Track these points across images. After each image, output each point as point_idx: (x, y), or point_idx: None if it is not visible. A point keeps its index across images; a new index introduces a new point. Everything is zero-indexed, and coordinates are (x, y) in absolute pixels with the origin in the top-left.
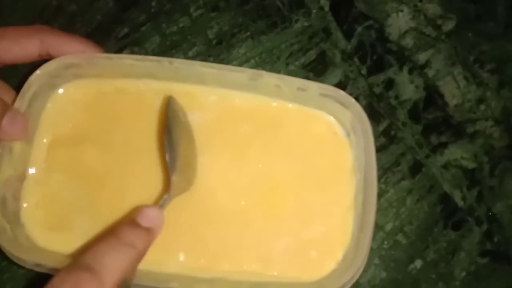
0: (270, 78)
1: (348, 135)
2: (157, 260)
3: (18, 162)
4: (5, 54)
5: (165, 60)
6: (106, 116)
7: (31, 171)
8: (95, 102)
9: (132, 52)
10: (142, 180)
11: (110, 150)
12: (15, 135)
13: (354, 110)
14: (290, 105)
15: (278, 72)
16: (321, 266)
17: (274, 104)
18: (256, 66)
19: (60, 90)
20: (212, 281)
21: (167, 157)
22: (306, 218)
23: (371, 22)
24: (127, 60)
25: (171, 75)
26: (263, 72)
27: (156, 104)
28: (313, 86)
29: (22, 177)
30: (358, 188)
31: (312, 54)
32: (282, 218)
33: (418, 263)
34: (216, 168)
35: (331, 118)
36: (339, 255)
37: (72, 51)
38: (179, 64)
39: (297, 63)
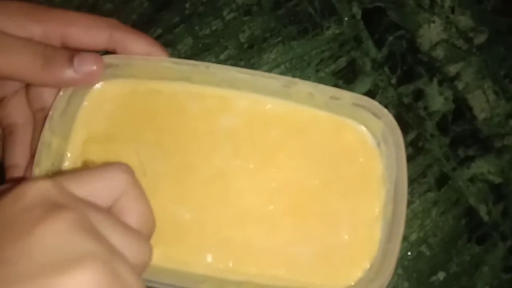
0: (303, 86)
1: (378, 144)
2: (185, 260)
3: (55, 157)
4: (74, 42)
5: (201, 65)
6: (140, 116)
7: (66, 166)
8: (130, 101)
9: None
10: (173, 180)
11: (142, 149)
12: (91, 76)
13: (387, 121)
14: (321, 113)
15: (308, 78)
16: (347, 274)
17: (306, 111)
18: (286, 72)
19: (97, 89)
20: (241, 284)
21: None
22: (334, 225)
23: (402, 32)
24: (164, 63)
25: (206, 78)
26: (297, 80)
27: (189, 106)
28: (346, 95)
29: (58, 172)
30: (388, 198)
31: (342, 62)
32: (309, 224)
33: (441, 275)
34: (245, 171)
35: (362, 127)
36: (365, 264)
37: (138, 51)
38: (215, 69)
39: (327, 70)
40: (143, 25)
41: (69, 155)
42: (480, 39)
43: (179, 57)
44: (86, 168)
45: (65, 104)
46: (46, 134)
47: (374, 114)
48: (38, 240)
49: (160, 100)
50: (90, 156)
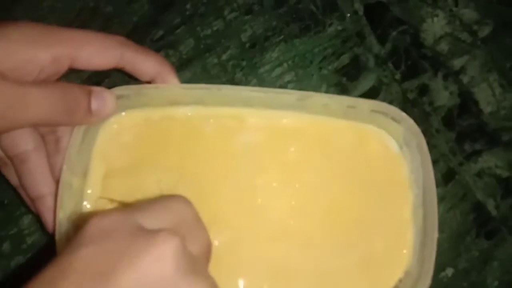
0: (318, 98)
1: (401, 149)
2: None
3: (77, 196)
4: (84, 62)
5: (213, 88)
6: (156, 144)
7: (89, 204)
8: (145, 131)
9: (166, 55)
10: (197, 206)
11: (163, 178)
12: (108, 114)
13: (407, 125)
14: (340, 122)
15: (311, 76)
16: (385, 283)
17: (324, 121)
18: (289, 70)
19: (110, 122)
20: None
21: None
22: (365, 235)
23: (405, 27)
24: (175, 89)
25: (219, 100)
26: (311, 93)
27: (205, 129)
28: (363, 103)
29: (82, 211)
30: (417, 203)
31: (345, 59)
32: (340, 235)
33: (449, 271)
34: (271, 189)
35: (383, 132)
36: (400, 272)
37: (148, 70)
38: (227, 90)
39: (330, 67)
40: (144, 27)
41: (90, 192)
42: (484, 31)
43: (181, 58)
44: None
45: (80, 141)
46: (65, 174)
47: (394, 119)
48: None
49: (176, 126)
50: (111, 191)
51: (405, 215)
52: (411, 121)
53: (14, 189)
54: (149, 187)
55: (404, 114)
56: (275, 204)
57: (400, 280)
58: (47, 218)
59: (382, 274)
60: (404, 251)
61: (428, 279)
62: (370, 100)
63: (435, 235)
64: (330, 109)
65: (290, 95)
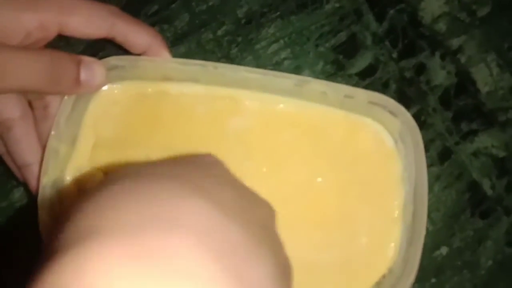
0: (316, 85)
1: (396, 143)
2: None
3: (63, 164)
4: (73, 30)
5: (209, 65)
6: (148, 119)
7: (75, 173)
8: (137, 104)
9: (161, 29)
10: None
11: (152, 154)
12: (97, 86)
13: (404, 119)
14: (336, 112)
15: (307, 53)
16: (368, 280)
17: (320, 110)
18: (285, 47)
19: (103, 92)
20: None
21: None
22: (352, 230)
23: (403, 5)
24: (170, 63)
25: (214, 79)
26: (309, 79)
27: (198, 108)
28: (361, 94)
29: (66, 179)
30: (407, 200)
31: (342, 36)
32: (327, 228)
33: (443, 250)
34: (259, 175)
35: (379, 125)
36: (384, 269)
37: (139, 42)
38: (224, 69)
39: (327, 44)
40: (139, 1)
41: (77, 161)
42: (483, 11)
43: (176, 33)
44: None
45: (71, 109)
46: (52, 140)
47: (391, 113)
48: None
49: (168, 102)
50: (99, 161)
51: (394, 212)
52: (408, 115)
53: (3, 163)
54: (137, 161)
55: (402, 108)
56: (261, 190)
57: (384, 276)
58: (34, 185)
59: (366, 269)
60: (390, 247)
61: (411, 278)
62: (368, 91)
63: (423, 233)
64: (327, 97)
65: (288, 79)
